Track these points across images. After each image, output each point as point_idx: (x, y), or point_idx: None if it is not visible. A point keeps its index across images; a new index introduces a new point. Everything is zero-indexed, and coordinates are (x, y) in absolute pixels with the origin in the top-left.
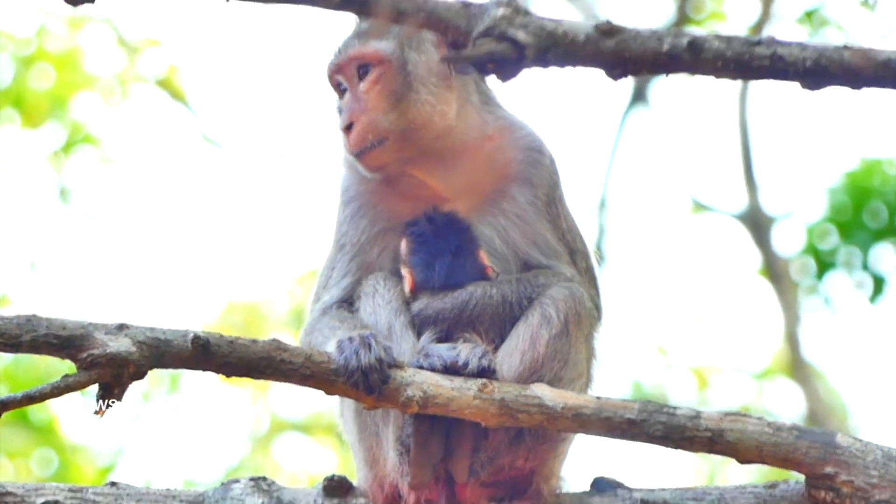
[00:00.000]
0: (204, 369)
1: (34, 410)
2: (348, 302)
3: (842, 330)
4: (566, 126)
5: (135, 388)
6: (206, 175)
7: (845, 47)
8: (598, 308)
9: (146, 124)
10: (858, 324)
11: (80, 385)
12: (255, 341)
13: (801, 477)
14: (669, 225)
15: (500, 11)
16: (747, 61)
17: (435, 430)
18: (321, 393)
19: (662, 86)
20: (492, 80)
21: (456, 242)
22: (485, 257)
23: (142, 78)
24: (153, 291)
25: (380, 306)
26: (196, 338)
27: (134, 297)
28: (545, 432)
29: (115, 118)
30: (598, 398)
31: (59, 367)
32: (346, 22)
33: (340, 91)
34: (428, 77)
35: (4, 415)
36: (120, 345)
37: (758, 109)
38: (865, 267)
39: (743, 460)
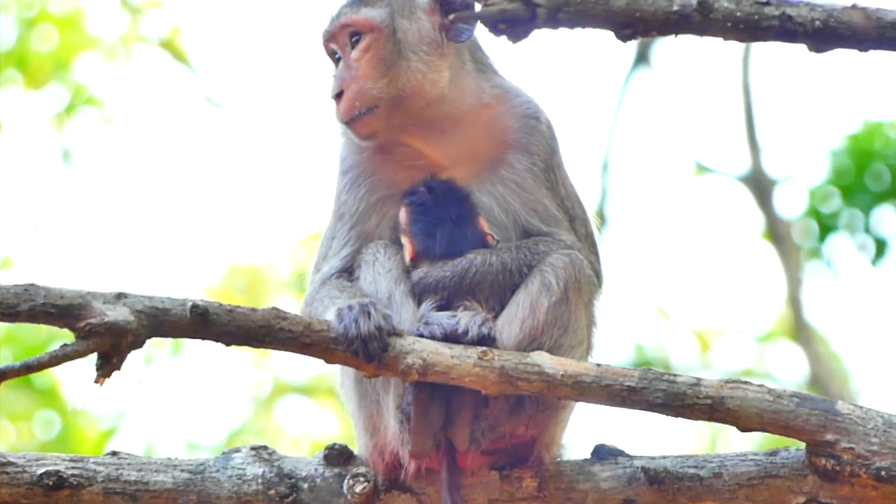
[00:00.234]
0: (203, 338)
1: (37, 374)
2: (348, 271)
3: (844, 293)
4: (569, 89)
5: (136, 352)
6: (208, 137)
7: (853, 7)
8: (598, 275)
9: (149, 86)
10: (860, 286)
11: (78, 354)
12: (254, 310)
13: (802, 444)
14: (672, 187)
15: None
16: (756, 21)
17: (435, 398)
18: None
19: (665, 48)
20: (501, 42)
21: (456, 210)
22: (485, 225)
23: (145, 39)
24: (156, 254)
25: (380, 275)
26: (195, 307)
27: (136, 260)
28: (545, 400)
29: (117, 80)
30: (599, 366)
31: (62, 333)
32: None
33: (335, 60)
34: (419, 44)
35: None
36: (118, 314)
37: (760, 71)
38: (867, 230)
39: (743, 428)
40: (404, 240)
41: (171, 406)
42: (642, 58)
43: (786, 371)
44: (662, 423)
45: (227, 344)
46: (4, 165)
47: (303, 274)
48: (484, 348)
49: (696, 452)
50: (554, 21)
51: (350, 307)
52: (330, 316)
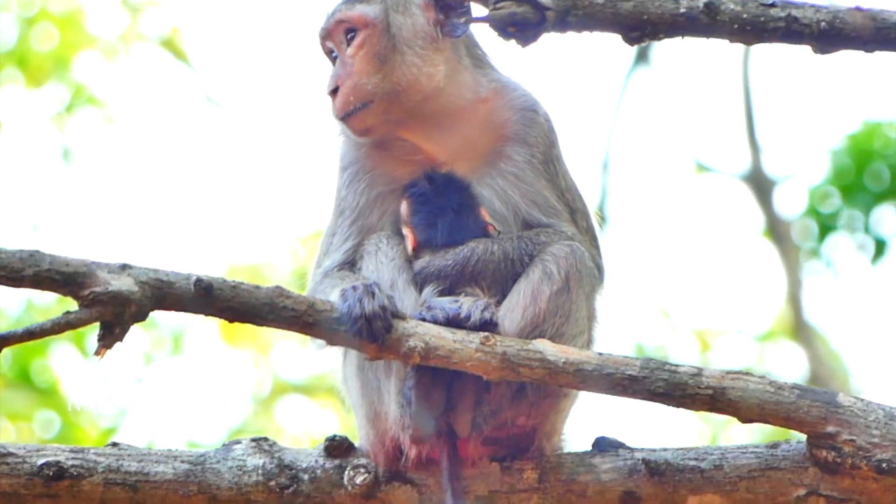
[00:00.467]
0: (206, 313)
1: (37, 372)
2: (350, 265)
3: (843, 292)
4: (569, 88)
5: (137, 349)
6: (208, 135)
7: (857, 9)
8: (599, 268)
9: (149, 85)
10: (860, 286)
11: (81, 322)
12: (258, 287)
13: (803, 437)
14: (672, 186)
15: None
16: (762, 23)
17: (436, 383)
18: (323, 353)
19: (665, 47)
20: (510, 46)
21: (457, 200)
22: (486, 215)
23: (144, 38)
24: (156, 253)
25: (382, 263)
26: (199, 280)
27: (136, 259)
28: (547, 388)
29: (117, 78)
30: (601, 354)
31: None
32: None
33: (332, 58)
34: (413, 39)
35: (7, 376)
36: (122, 283)
37: (761, 71)
38: (867, 229)
39: (744, 419)
40: (406, 231)
41: (172, 405)
42: (642, 57)
43: (786, 370)
44: (663, 416)
45: (231, 320)
46: (5, 164)
47: (303, 273)
48: (486, 334)
49: (696, 445)
50: (563, 24)
51: (354, 287)
52: (334, 297)
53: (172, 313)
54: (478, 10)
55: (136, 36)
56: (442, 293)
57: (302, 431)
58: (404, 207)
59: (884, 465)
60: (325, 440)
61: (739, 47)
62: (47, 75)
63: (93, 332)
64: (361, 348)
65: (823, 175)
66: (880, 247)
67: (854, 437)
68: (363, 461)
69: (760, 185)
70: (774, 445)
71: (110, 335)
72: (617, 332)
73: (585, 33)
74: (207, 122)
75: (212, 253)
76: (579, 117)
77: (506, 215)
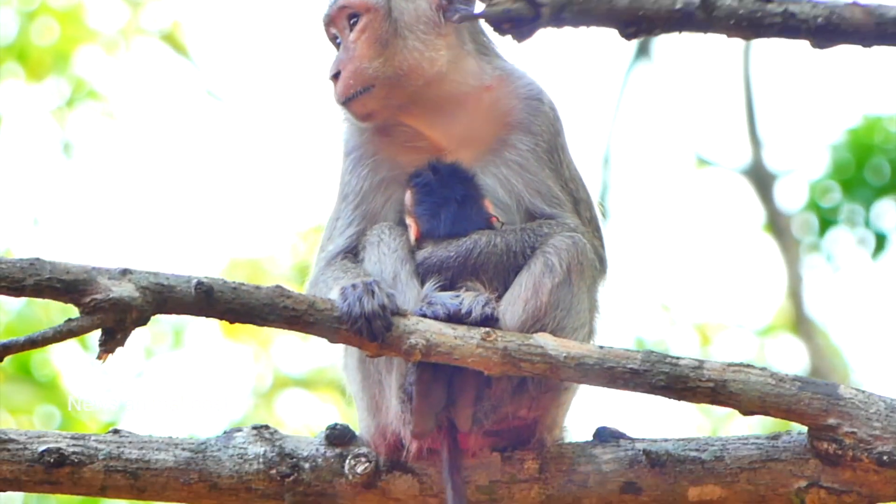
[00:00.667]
0: (207, 315)
1: (37, 366)
2: (353, 252)
3: (844, 286)
4: (569, 82)
5: (138, 344)
6: (208, 130)
7: (855, 4)
8: (601, 259)
9: (149, 79)
10: (860, 280)
11: (83, 329)
12: (258, 287)
13: (804, 428)
14: (673, 181)
15: None
16: (759, 19)
17: (438, 379)
18: (323, 347)
19: (666, 41)
20: (507, 40)
21: (461, 191)
22: (490, 206)
23: (145, 32)
24: (156, 247)
25: (385, 255)
26: (199, 283)
27: (136, 253)
28: (548, 382)
29: (118, 73)
30: (602, 347)
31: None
32: None
33: (336, 45)
34: (415, 24)
35: (7, 370)
36: (123, 290)
37: (762, 65)
38: (867, 224)
39: (745, 411)
40: (409, 220)
41: (172, 399)
42: (643, 51)
43: (786, 364)
44: (664, 408)
45: (232, 321)
46: (5, 158)
47: (303, 267)
48: (487, 329)
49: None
50: (558, 20)
51: (354, 286)
52: (334, 295)
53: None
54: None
55: (136, 30)
56: (444, 286)
57: (302, 425)
58: (408, 197)
59: (884, 457)
60: (327, 429)
61: (740, 42)
62: (48, 70)
63: (95, 330)
64: (362, 346)
65: (824, 169)
66: (881, 241)
67: (855, 430)
68: (364, 450)
69: (761, 179)
70: (775, 437)
71: (112, 340)
72: (617, 326)
73: (581, 28)
74: (208, 116)
75: (212, 247)
76: (580, 111)
77: (509, 204)
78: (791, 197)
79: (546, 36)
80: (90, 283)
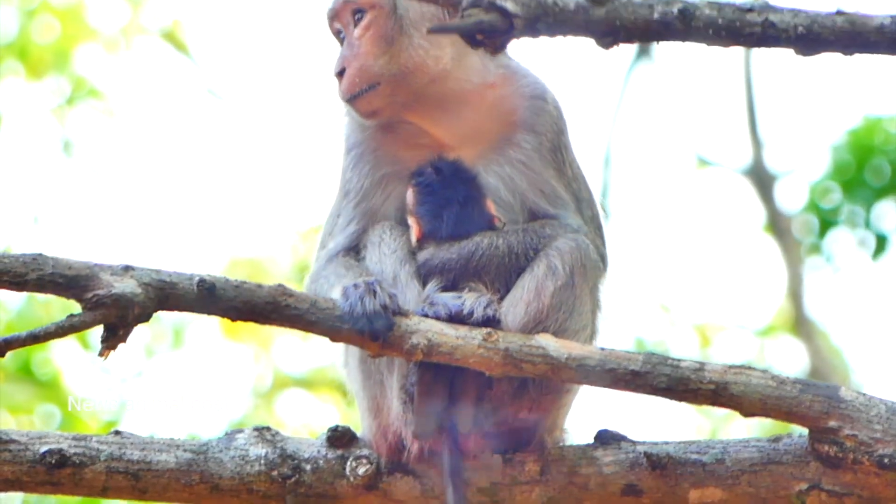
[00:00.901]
0: (209, 313)
1: (38, 365)
2: (354, 249)
3: (844, 287)
4: (570, 83)
5: (138, 343)
6: (209, 128)
7: (838, 13)
8: (603, 259)
9: (150, 77)
10: (861, 281)
11: (84, 325)
12: (260, 286)
13: (805, 431)
14: (673, 181)
15: None
16: (739, 28)
17: (439, 379)
18: (324, 346)
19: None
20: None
21: (463, 192)
22: (492, 207)
23: (145, 31)
24: (156, 246)
25: (385, 255)
26: (202, 281)
27: (137, 252)
28: (549, 383)
29: (118, 71)
30: (603, 349)
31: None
32: None
33: (340, 39)
34: (421, 21)
35: (8, 369)
36: (125, 286)
37: (763, 65)
38: (868, 225)
39: (746, 413)
40: (411, 220)
41: (172, 399)
42: (644, 51)
43: (786, 365)
44: (665, 410)
45: (234, 319)
46: (5, 156)
47: (304, 267)
48: (489, 330)
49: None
50: (532, 31)
51: (356, 285)
52: (335, 294)
53: (175, 313)
54: None
55: (137, 28)
56: (445, 287)
57: (303, 425)
58: (410, 197)
59: (885, 459)
60: (328, 430)
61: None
62: (48, 68)
63: (97, 326)
64: (364, 346)
65: (824, 170)
66: (881, 242)
67: (856, 432)
68: (365, 452)
69: (761, 179)
70: (776, 439)
71: (114, 337)
72: (618, 327)
73: (558, 38)
74: (208, 115)
75: (213, 246)
76: (581, 112)
77: (512, 203)
78: (791, 198)
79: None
80: (92, 278)
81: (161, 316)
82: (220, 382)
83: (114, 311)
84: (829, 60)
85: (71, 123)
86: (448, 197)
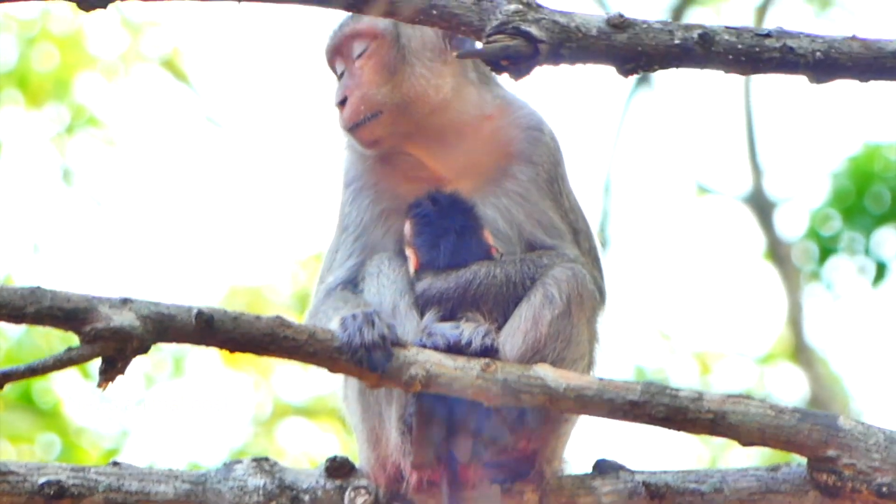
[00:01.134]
0: (207, 345)
1: (39, 394)
2: (353, 283)
3: (844, 315)
4: (570, 110)
5: (138, 371)
6: (208, 157)
7: (853, 38)
8: (600, 290)
9: (149, 105)
10: (861, 309)
11: (83, 358)
12: (258, 317)
13: (804, 460)
14: (673, 208)
15: (513, 6)
16: (758, 53)
17: (437, 410)
18: (324, 375)
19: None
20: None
21: (460, 222)
22: (489, 237)
23: (145, 59)
24: (156, 274)
25: (384, 286)
26: (200, 313)
27: (136, 281)
28: (548, 413)
29: (118, 99)
30: (601, 379)
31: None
32: None
33: (338, 73)
34: (422, 51)
35: (9, 398)
36: (124, 318)
37: (762, 93)
38: (867, 252)
39: (745, 443)
40: (408, 251)
41: (173, 427)
42: (644, 79)
43: (786, 393)
44: (664, 439)
45: (232, 351)
46: (5, 185)
47: (303, 295)
48: (487, 360)
49: (697, 468)
50: (556, 57)
51: (354, 316)
52: (334, 325)
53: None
54: None
55: (136, 56)
56: (443, 316)
57: (303, 453)
58: (408, 228)
59: (884, 488)
60: (326, 461)
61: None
62: (47, 96)
63: (96, 359)
64: (362, 377)
65: (824, 197)
66: (881, 269)
67: (854, 461)
68: (364, 482)
69: (761, 207)
70: (775, 468)
71: (112, 369)
72: (617, 355)
73: (579, 65)
74: (208, 142)
75: (212, 275)
76: (581, 139)
77: (509, 235)
78: (791, 225)
79: (545, 71)
80: (91, 311)
81: (162, 345)
82: (221, 411)
83: (112, 344)
84: (833, 88)
85: (71, 152)
86: (445, 227)
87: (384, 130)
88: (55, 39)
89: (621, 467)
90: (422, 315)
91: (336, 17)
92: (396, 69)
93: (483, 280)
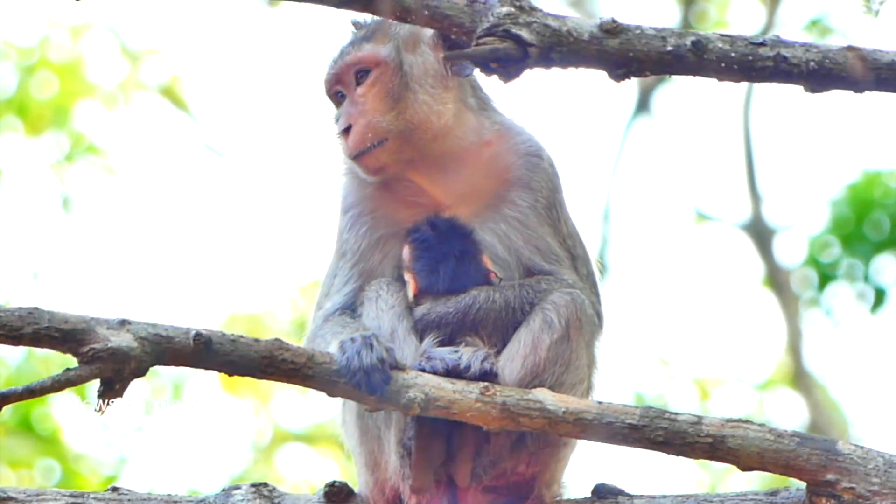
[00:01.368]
0: (206, 368)
1: (38, 420)
2: (351, 309)
3: (843, 341)
4: (569, 137)
5: (137, 397)
6: (208, 184)
7: (849, 48)
8: (599, 315)
9: (148, 133)
10: (860, 335)
11: (81, 379)
12: (257, 340)
13: (803, 484)
14: (673, 235)
15: (505, 9)
16: (751, 62)
17: (437, 434)
18: (323, 400)
19: (666, 95)
20: (493, 82)
21: (459, 247)
22: (488, 262)
23: (144, 86)
24: (155, 302)
25: (383, 311)
26: (198, 335)
27: (136, 308)
28: (547, 437)
29: (117, 127)
30: (600, 403)
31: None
32: (345, 31)
33: (338, 100)
34: (424, 77)
35: (8, 424)
36: (122, 340)
37: (761, 121)
38: (867, 279)
39: (744, 467)
40: (407, 276)
41: (172, 453)
42: (643, 105)
43: (785, 419)
44: (663, 463)
45: (230, 374)
46: (4, 212)
47: (303, 322)
48: (486, 384)
49: (696, 492)
50: (546, 60)
51: (353, 339)
52: (332, 349)
53: (172, 368)
54: None
55: (135, 84)
56: (442, 341)
57: (303, 480)
58: (406, 253)
59: None
60: (325, 486)
61: (739, 95)
62: (47, 124)
63: (94, 380)
64: (361, 400)
65: (823, 224)
66: (880, 296)
67: (854, 485)
68: None
69: (760, 234)
70: (774, 493)
71: (110, 391)
72: (616, 381)
73: (570, 70)
74: (207, 170)
75: (212, 302)
76: (580, 166)
77: (508, 260)
78: (790, 252)
79: (546, 89)
80: (88, 332)
81: (161, 370)
82: (220, 437)
83: (110, 366)
84: (830, 111)
85: (70, 179)
86: (444, 252)
87: (389, 157)
88: (54, 67)
89: (620, 492)
90: (421, 340)
91: (334, 46)
92: (400, 96)
93: (482, 305)
